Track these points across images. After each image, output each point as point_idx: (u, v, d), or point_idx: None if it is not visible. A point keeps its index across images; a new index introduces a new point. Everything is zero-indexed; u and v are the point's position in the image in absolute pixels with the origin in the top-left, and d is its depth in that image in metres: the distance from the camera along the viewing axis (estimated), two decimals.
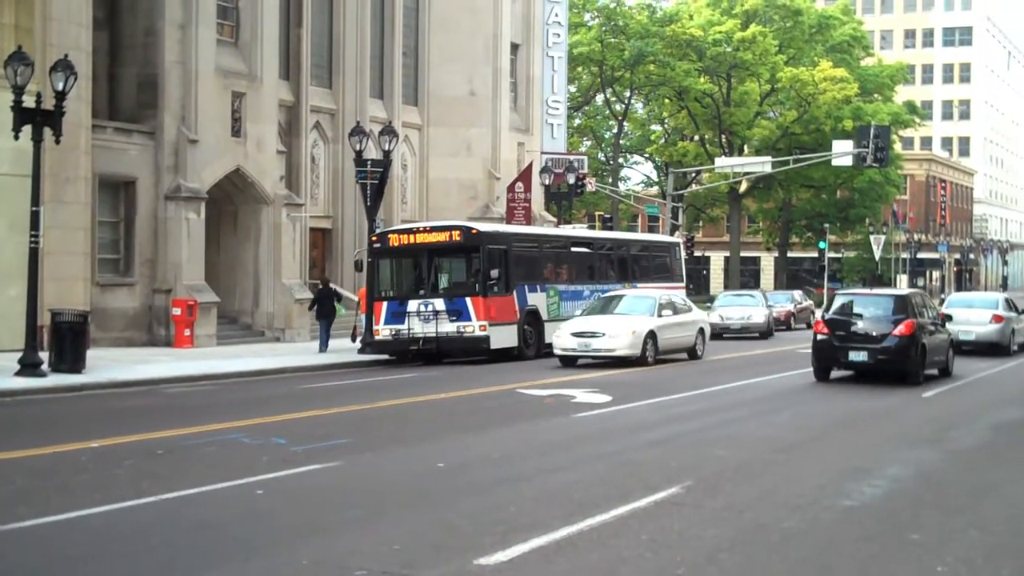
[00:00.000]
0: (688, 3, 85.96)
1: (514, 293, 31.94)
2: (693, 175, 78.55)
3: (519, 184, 47.77)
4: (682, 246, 46.36)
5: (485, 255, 31.02)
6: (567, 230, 44.53)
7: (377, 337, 31.16)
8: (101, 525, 10.32)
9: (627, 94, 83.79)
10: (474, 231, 31.79)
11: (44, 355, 23.97)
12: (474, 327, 30.49)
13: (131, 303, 34.36)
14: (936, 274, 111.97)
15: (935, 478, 13.28)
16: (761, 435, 16.65)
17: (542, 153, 53.65)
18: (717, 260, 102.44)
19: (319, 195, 44.37)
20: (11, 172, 28.24)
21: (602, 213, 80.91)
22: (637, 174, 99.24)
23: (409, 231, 32.39)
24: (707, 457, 14.38)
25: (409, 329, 30.64)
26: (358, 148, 32.80)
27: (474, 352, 31.01)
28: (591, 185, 63.39)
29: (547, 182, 47.77)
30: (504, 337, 31.23)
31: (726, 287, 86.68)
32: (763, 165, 66.67)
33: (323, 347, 32.93)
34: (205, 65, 35.37)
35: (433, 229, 32.12)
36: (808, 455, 14.85)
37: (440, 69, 49.65)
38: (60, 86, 23.70)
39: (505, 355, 31.00)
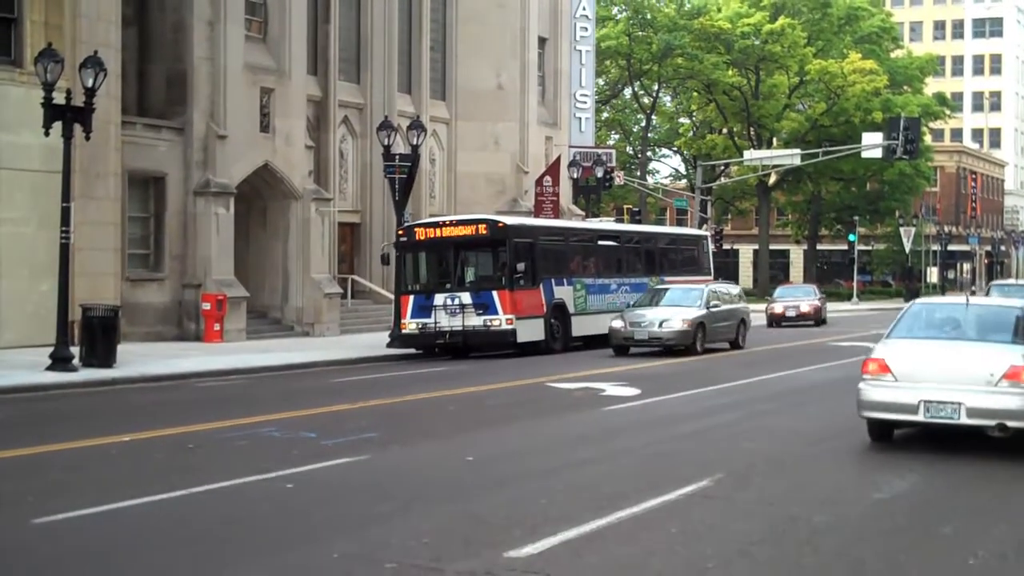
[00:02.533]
0: None
1: (541, 287, 31.88)
2: (722, 168, 78.27)
3: (547, 178, 47.66)
4: (710, 239, 46.17)
5: (511, 248, 30.98)
6: (594, 223, 44.44)
7: (404, 331, 31.18)
8: (133, 519, 10.37)
9: (655, 87, 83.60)
10: (500, 224, 31.72)
11: (75, 350, 24.10)
12: (500, 321, 30.44)
13: (161, 298, 34.51)
14: (967, 266, 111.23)
15: (966, 471, 13.20)
16: (792, 428, 16.58)
17: (570, 147, 53.54)
18: (746, 253, 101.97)
19: (347, 190, 44.40)
20: (42, 168, 28.40)
21: (630, 206, 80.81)
22: (665, 167, 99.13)
23: (436, 224, 32.37)
24: (738, 450, 14.34)
25: (436, 323, 30.61)
26: (386, 143, 32.84)
27: (500, 346, 30.97)
28: (619, 179, 63.29)
29: (575, 176, 47.66)
30: (531, 331, 31.16)
31: (755, 280, 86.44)
32: (792, 158, 66.40)
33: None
34: (234, 61, 35.46)
35: (460, 223, 32.09)
36: (839, 448, 14.78)
37: (468, 63, 49.57)
38: (90, 83, 23.83)
39: (532, 349, 30.93)
